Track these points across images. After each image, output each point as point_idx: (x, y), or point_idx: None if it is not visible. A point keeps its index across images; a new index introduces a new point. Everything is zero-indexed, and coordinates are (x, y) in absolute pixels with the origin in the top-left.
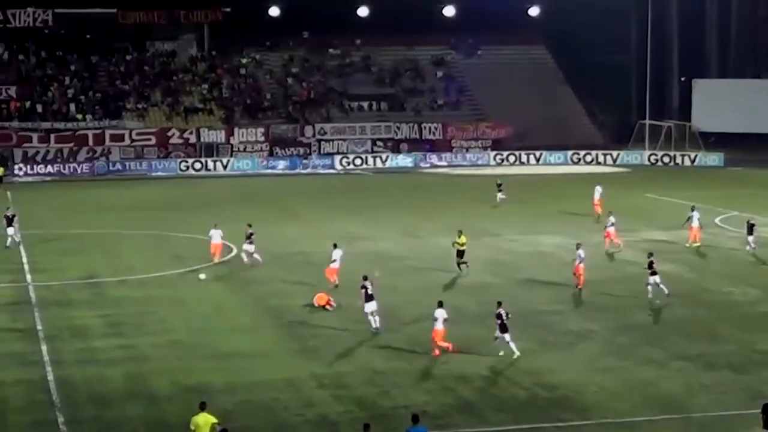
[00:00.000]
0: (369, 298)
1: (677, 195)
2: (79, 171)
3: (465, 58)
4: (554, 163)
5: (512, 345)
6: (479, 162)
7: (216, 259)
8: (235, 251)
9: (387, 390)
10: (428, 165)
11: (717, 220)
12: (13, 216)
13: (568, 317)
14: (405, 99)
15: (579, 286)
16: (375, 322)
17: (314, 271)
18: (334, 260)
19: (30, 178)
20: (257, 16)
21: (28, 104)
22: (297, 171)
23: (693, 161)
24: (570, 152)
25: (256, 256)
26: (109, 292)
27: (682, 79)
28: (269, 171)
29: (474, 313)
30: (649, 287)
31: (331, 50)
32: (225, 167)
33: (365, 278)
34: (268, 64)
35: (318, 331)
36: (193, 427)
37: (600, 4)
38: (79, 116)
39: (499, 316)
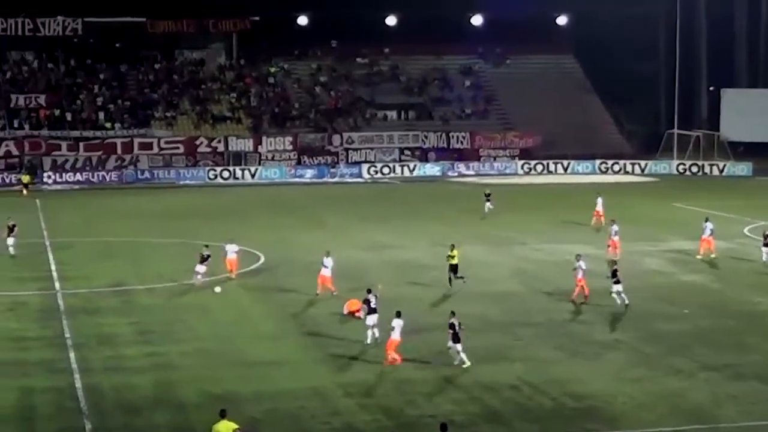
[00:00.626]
0: (372, 311)
1: (705, 205)
2: (107, 179)
3: (493, 67)
4: (582, 173)
5: (463, 355)
6: (507, 171)
7: (233, 275)
8: (262, 259)
9: (413, 399)
10: (456, 174)
11: (745, 230)
12: (14, 226)
13: (594, 327)
14: (433, 108)
15: (581, 298)
16: (374, 334)
17: (340, 279)
18: (325, 267)
19: (59, 186)
20: (286, 25)
21: (57, 112)
22: (324, 180)
23: (721, 171)
24: (598, 161)
25: (200, 277)
26: (137, 300)
27: (711, 88)
28: (297, 180)
29: (499, 322)
30: (614, 296)
31: (359, 59)
32: (253, 176)
33: (369, 291)
34: (296, 73)
35: (343, 340)
36: None
37: (629, 13)
38: (108, 125)
39: (452, 326)
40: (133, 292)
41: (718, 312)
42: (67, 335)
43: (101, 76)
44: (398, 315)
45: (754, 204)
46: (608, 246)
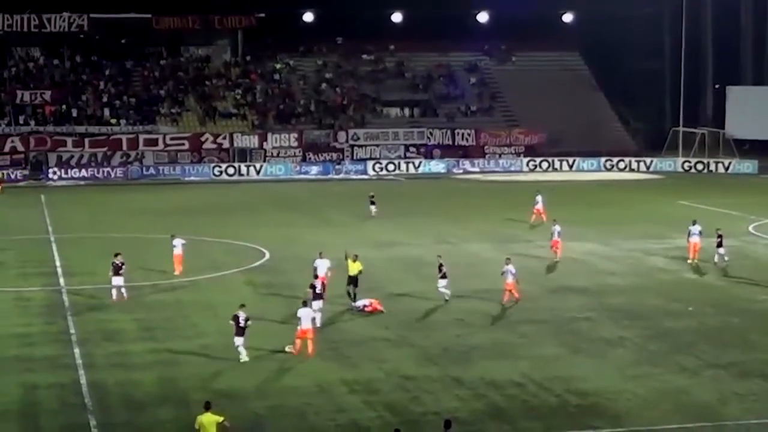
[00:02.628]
0: (317, 296)
1: (711, 202)
2: (112, 175)
3: (498, 65)
4: (587, 170)
5: (242, 350)
6: (512, 168)
7: (177, 272)
8: (267, 256)
9: (418, 396)
10: (461, 171)
11: (750, 228)
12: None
13: (599, 324)
14: (438, 105)
15: (508, 301)
16: (315, 320)
17: (344, 276)
18: (315, 267)
19: (64, 182)
20: (291, 22)
21: (62, 108)
22: (330, 176)
23: (727, 168)
24: (603, 159)
25: (123, 291)
26: (141, 296)
27: (716, 86)
28: (302, 176)
29: (504, 319)
30: (441, 290)
31: (364, 56)
32: (258, 172)
33: (315, 277)
34: (301, 69)
35: (349, 337)
36: (197, 427)
37: (634, 10)
38: (114, 121)
39: (235, 318)
40: (137, 288)
41: (722, 309)
42: (72, 331)
43: (107, 72)
44: (305, 304)
45: (759, 201)
46: (550, 247)
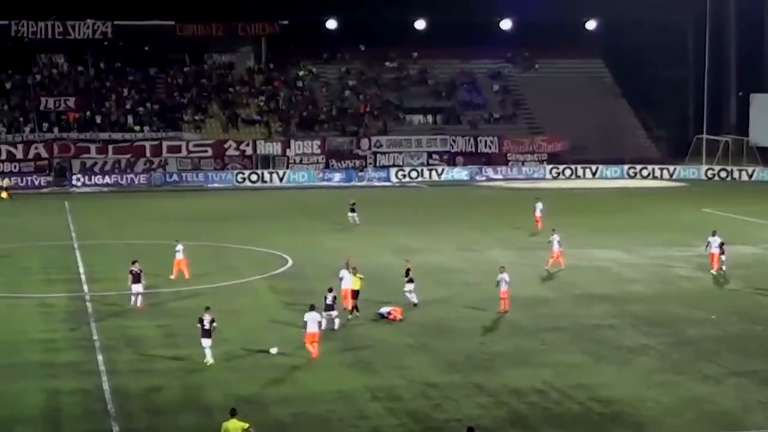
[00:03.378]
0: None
1: (735, 210)
2: (136, 182)
3: (521, 72)
4: (610, 177)
5: (208, 352)
6: (535, 175)
7: (173, 276)
8: (290, 262)
9: (440, 403)
10: (484, 178)
11: None
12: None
13: (623, 332)
14: (461, 112)
15: (504, 310)
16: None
17: (368, 283)
18: (341, 278)
19: (88, 189)
20: (314, 29)
21: (86, 115)
22: (353, 183)
23: (750, 176)
24: (626, 166)
25: (140, 299)
26: (164, 303)
27: (740, 93)
28: (325, 183)
29: (527, 326)
30: (407, 295)
31: (387, 63)
32: (281, 179)
33: (330, 290)
34: (324, 76)
35: (371, 344)
36: None
37: (658, 17)
38: (137, 127)
39: (200, 321)
40: (160, 294)
41: (746, 317)
42: (95, 337)
43: (130, 79)
44: (312, 308)
45: None
46: (551, 257)
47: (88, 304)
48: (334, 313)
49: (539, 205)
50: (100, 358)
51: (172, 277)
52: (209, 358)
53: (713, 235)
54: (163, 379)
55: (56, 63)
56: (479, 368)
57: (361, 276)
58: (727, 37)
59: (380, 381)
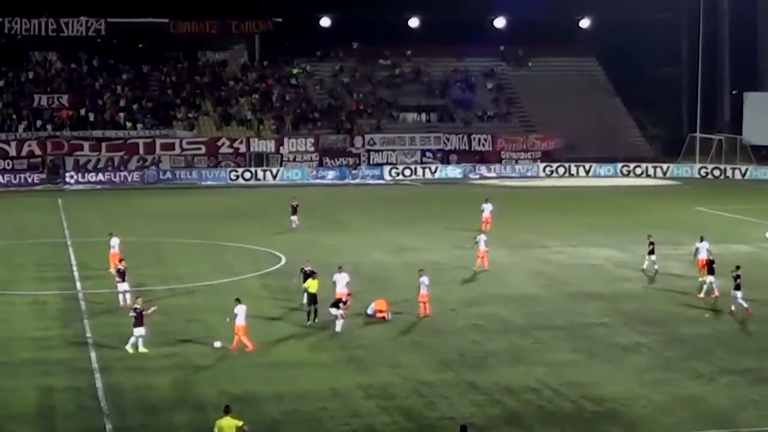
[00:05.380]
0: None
1: (728, 209)
2: (129, 179)
3: (515, 70)
4: (604, 176)
5: (140, 341)
6: (528, 174)
7: (112, 270)
8: (283, 260)
9: (433, 401)
10: (477, 176)
11: (767, 234)
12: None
13: (616, 330)
14: (455, 110)
15: (425, 314)
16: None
17: (362, 281)
18: (334, 282)
19: (81, 186)
20: (308, 27)
21: (80, 113)
22: (346, 181)
23: (744, 175)
24: (620, 164)
25: (127, 297)
26: (157, 301)
27: (734, 92)
28: (318, 181)
29: (521, 324)
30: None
31: (381, 61)
32: (274, 177)
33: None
34: (318, 74)
35: (364, 342)
36: (216, 430)
37: (651, 16)
38: (130, 125)
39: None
40: (153, 292)
41: (739, 316)
42: (88, 335)
43: (124, 77)
44: (238, 301)
45: None
46: (478, 257)
47: (81, 301)
48: (337, 311)
49: (488, 206)
50: (93, 355)
51: (111, 270)
52: (141, 348)
53: (701, 241)
54: (157, 377)
55: (50, 60)
56: (472, 366)
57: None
58: (721, 35)
59: (373, 379)
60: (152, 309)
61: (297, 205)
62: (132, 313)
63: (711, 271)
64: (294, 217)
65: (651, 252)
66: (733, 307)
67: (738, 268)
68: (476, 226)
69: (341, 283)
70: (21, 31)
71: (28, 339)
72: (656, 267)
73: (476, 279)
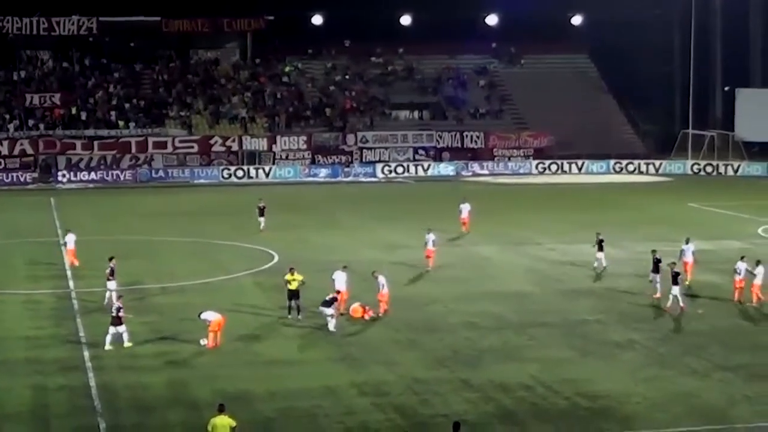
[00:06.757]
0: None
1: (720, 205)
2: (122, 178)
3: (507, 67)
4: (596, 172)
5: (125, 336)
6: (521, 171)
7: (70, 266)
8: (276, 258)
9: (427, 398)
10: (470, 174)
11: (760, 230)
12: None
13: (609, 327)
14: (447, 107)
15: (384, 311)
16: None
17: (355, 279)
18: (334, 279)
19: (73, 185)
20: (300, 25)
21: (72, 111)
22: (339, 179)
23: (736, 171)
24: (612, 161)
25: (113, 296)
26: (150, 299)
27: (726, 88)
28: (311, 179)
29: (514, 321)
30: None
31: (373, 58)
32: (267, 175)
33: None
34: (310, 72)
35: (358, 339)
36: (210, 428)
37: (644, 13)
38: (123, 124)
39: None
40: (146, 291)
41: (732, 312)
42: (81, 334)
43: (116, 75)
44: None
45: None
46: (425, 256)
47: (74, 300)
48: (329, 310)
49: (466, 206)
50: (86, 354)
51: (69, 266)
52: (108, 346)
53: (687, 243)
54: (150, 376)
55: (41, 59)
56: (466, 364)
57: (302, 278)
58: (713, 32)
59: (367, 376)
60: (128, 315)
61: (264, 207)
62: (113, 312)
63: (675, 282)
64: (261, 219)
65: (600, 250)
66: (669, 303)
67: (674, 263)
68: (469, 224)
69: (341, 281)
70: (12, 29)
71: (21, 338)
72: (605, 264)
73: (469, 276)
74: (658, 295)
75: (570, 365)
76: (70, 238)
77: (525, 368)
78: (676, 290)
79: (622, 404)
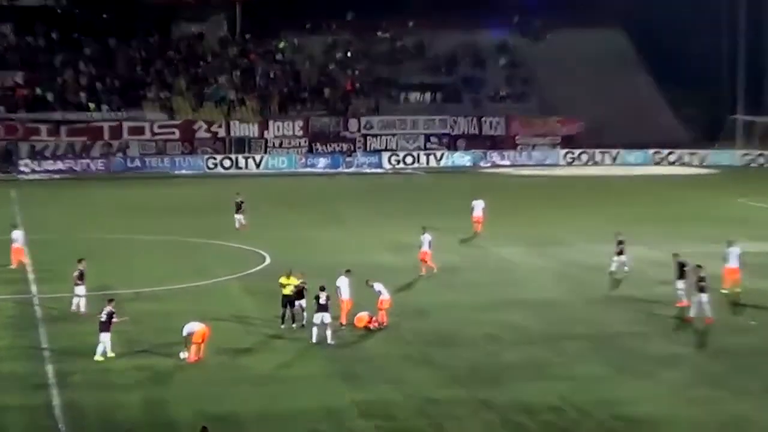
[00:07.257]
0: (321, 308)
1: None
2: (92, 168)
3: (531, 43)
4: (633, 164)
5: (107, 346)
6: (547, 161)
7: (14, 266)
8: (268, 260)
9: (440, 422)
10: (489, 164)
11: None
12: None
13: (650, 340)
14: (463, 89)
15: (383, 322)
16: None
17: (358, 284)
18: (338, 287)
19: (37, 176)
20: None
21: (36, 92)
22: (339, 170)
23: None
24: (651, 151)
25: (82, 303)
26: (123, 306)
27: None
28: (308, 170)
29: (541, 334)
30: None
31: (379, 33)
32: (258, 165)
33: (322, 289)
34: (308, 48)
35: (363, 354)
36: None
37: None
38: (94, 106)
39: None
40: (119, 296)
41: None
42: (44, 345)
43: (87, 52)
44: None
45: None
46: (420, 259)
47: (37, 307)
48: (327, 317)
49: (479, 203)
50: (49, 368)
51: (13, 266)
52: (99, 356)
53: (730, 246)
54: (123, 394)
55: (2, 33)
56: (486, 382)
57: (298, 282)
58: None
59: (372, 396)
60: (123, 318)
61: (242, 202)
62: (104, 317)
63: (701, 289)
64: (239, 216)
65: (620, 252)
66: (692, 313)
67: (700, 267)
68: (487, 222)
69: (345, 288)
70: None
71: None
72: (626, 269)
73: (489, 282)
74: (685, 303)
75: (604, 384)
76: (18, 235)
77: (553, 387)
78: (703, 298)
79: (665, 429)
